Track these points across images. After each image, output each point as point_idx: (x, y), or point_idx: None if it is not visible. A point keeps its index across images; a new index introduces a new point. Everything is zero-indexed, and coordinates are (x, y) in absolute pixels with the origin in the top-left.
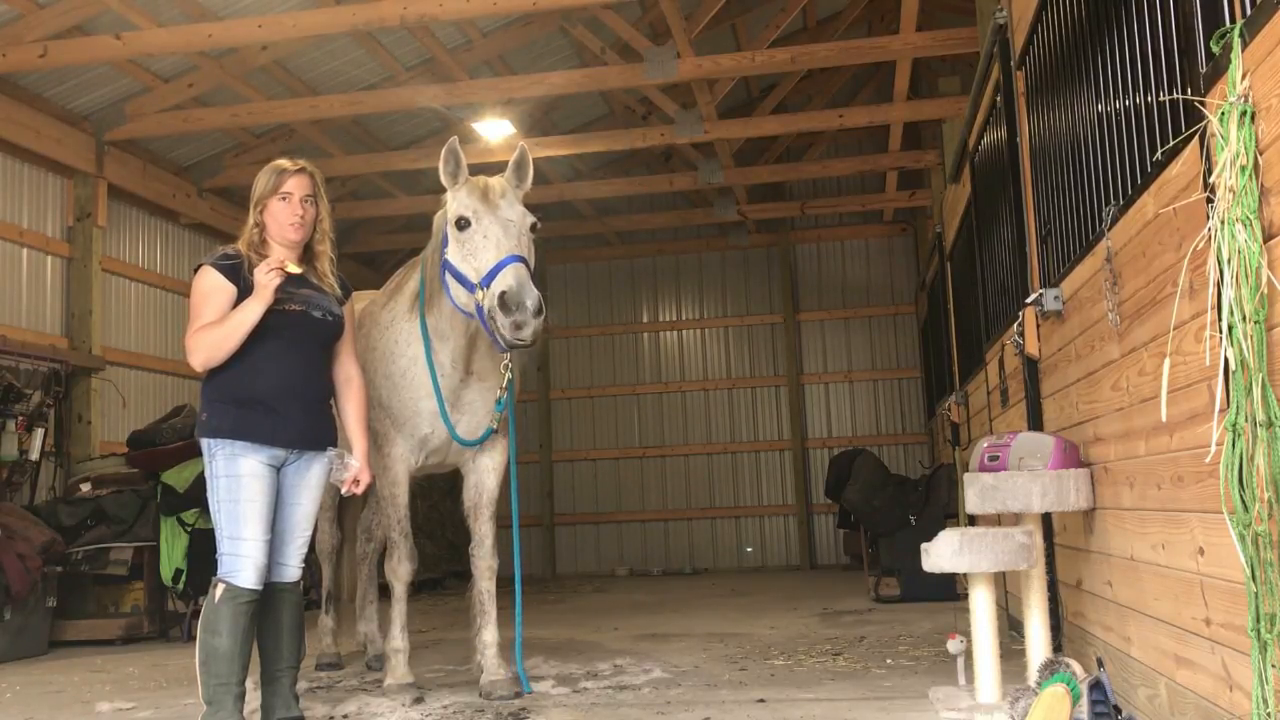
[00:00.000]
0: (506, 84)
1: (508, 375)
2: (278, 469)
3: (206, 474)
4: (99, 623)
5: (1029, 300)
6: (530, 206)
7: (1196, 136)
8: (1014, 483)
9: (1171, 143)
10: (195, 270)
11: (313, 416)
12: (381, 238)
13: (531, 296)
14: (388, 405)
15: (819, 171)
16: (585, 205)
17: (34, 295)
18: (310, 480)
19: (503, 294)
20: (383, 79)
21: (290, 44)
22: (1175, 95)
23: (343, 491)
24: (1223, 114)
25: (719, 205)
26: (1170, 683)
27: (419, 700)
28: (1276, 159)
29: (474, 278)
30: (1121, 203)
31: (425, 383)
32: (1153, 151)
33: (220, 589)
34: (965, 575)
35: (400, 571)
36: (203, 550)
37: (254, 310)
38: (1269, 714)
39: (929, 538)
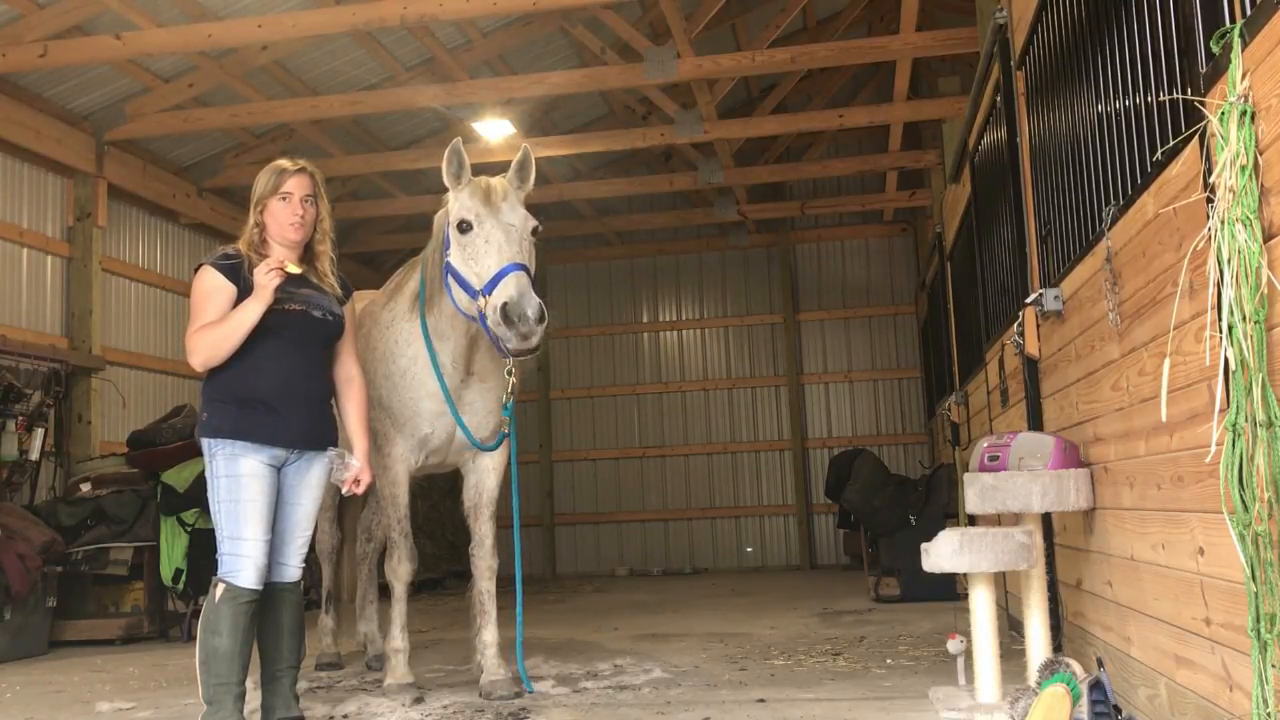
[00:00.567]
0: (506, 84)
1: (512, 379)
2: (278, 469)
3: (207, 474)
4: (99, 623)
5: (1029, 300)
6: (530, 207)
7: (1196, 136)
8: (1014, 483)
9: (1171, 143)
10: (195, 270)
11: (313, 416)
12: (381, 238)
13: (533, 306)
14: (388, 405)
15: (819, 171)
16: (585, 205)
17: (34, 295)
18: (311, 480)
19: (504, 305)
20: (383, 79)
21: (290, 44)
22: (1175, 95)
23: (343, 491)
24: (1223, 114)
25: (719, 205)
26: (1170, 683)
27: (419, 700)
28: (1276, 159)
29: (476, 283)
30: (1121, 203)
31: (425, 382)
32: (1153, 151)
33: (220, 589)
34: (965, 575)
35: (400, 571)
36: (203, 550)
37: (254, 310)
38: (1269, 714)
39: (929, 538)
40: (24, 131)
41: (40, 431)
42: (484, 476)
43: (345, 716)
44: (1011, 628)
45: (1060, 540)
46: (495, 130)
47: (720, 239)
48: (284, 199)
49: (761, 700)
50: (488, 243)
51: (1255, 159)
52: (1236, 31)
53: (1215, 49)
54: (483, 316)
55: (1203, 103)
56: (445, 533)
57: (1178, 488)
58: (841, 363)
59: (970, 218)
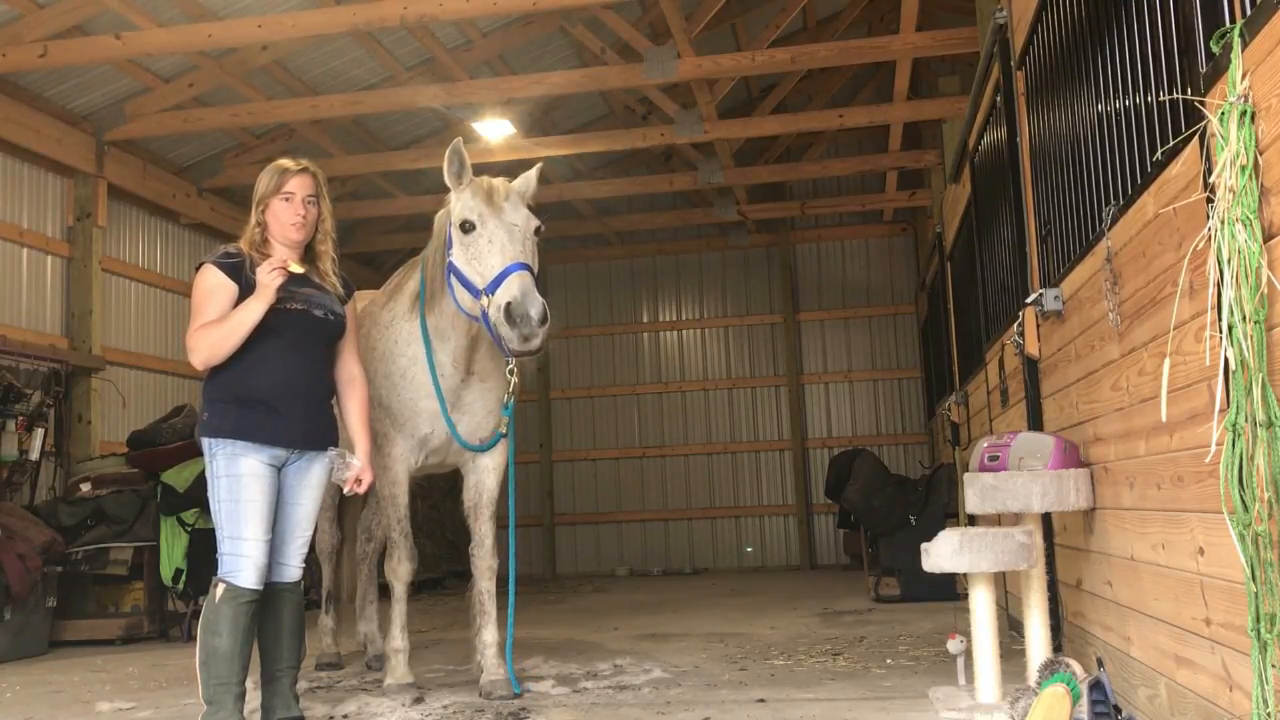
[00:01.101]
0: (506, 84)
1: (513, 380)
2: (279, 468)
3: (207, 473)
4: (99, 623)
5: (1029, 300)
6: (530, 207)
7: (1196, 136)
8: (1014, 483)
9: (1171, 143)
10: (197, 269)
11: (314, 416)
12: (381, 238)
13: (536, 307)
14: (387, 405)
15: (819, 171)
16: (585, 205)
17: (34, 295)
18: (311, 480)
19: (508, 305)
20: (383, 79)
21: (290, 44)
22: (1175, 95)
23: (345, 491)
24: (1223, 114)
25: (719, 205)
26: (1170, 683)
27: (419, 700)
28: (1276, 159)
29: (479, 283)
30: (1121, 203)
31: (425, 383)
32: (1153, 151)
33: (221, 589)
34: (965, 575)
35: (400, 571)
36: (203, 550)
37: (255, 309)
38: (1269, 714)
39: (929, 538)
40: (24, 131)
41: (40, 431)
42: (484, 476)
43: (345, 716)
44: (1011, 628)
45: (1060, 540)
46: (495, 130)
47: (720, 239)
48: (286, 199)
49: (761, 700)
50: (491, 242)
51: (1255, 159)
52: (1236, 31)
53: (1215, 49)
54: (485, 316)
55: (1203, 103)
56: (445, 533)
57: (1178, 488)
58: (841, 363)
59: (970, 218)
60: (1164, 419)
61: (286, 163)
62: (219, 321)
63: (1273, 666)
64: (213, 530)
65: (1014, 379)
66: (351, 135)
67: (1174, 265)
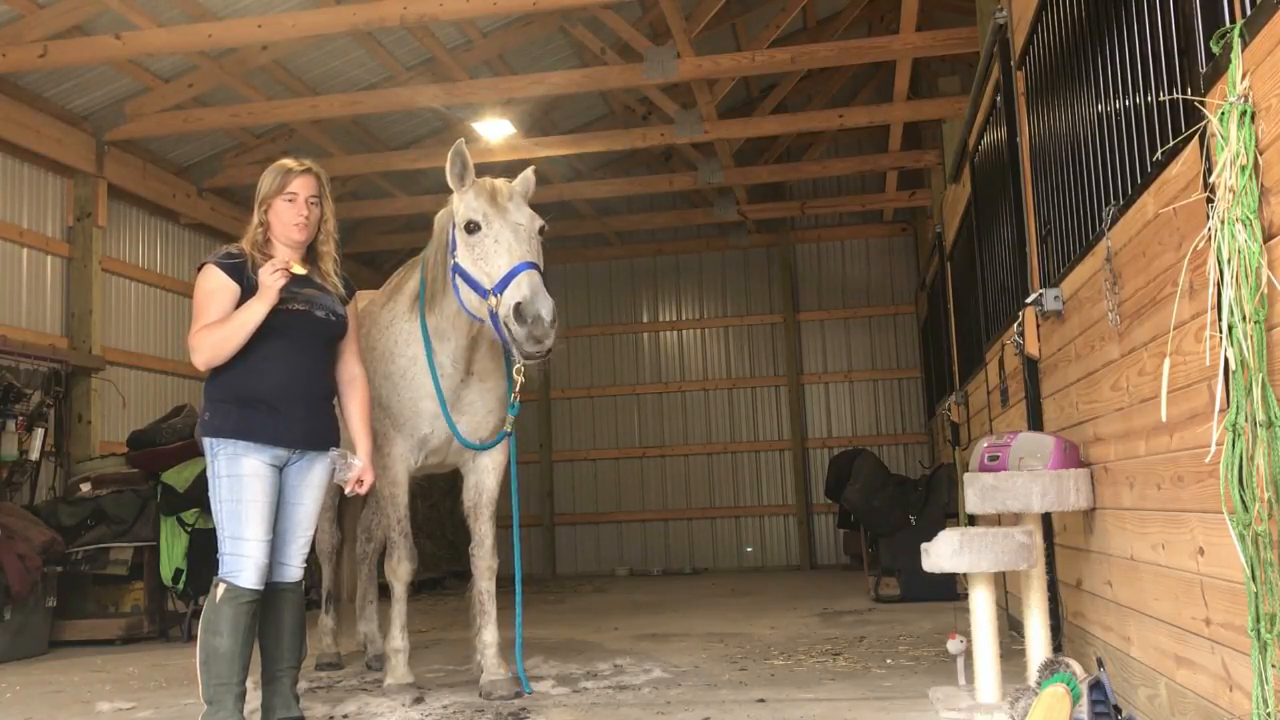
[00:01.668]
0: (506, 84)
1: (520, 380)
2: (280, 469)
3: (208, 473)
4: (99, 623)
5: (1029, 300)
6: (530, 207)
7: (1196, 136)
8: (1014, 483)
9: (1171, 143)
10: (198, 269)
11: (316, 416)
12: (381, 238)
13: (547, 307)
14: (387, 405)
15: (819, 171)
16: (585, 205)
17: (34, 295)
18: (312, 480)
19: (518, 305)
20: (383, 79)
21: (290, 44)
22: (1175, 95)
23: (346, 492)
24: (1223, 114)
25: (719, 205)
26: (1170, 683)
27: (419, 700)
28: (1276, 159)
29: (486, 283)
30: (1121, 203)
31: (425, 383)
32: (1153, 151)
33: (221, 589)
34: (965, 575)
35: (400, 571)
36: (203, 550)
37: (258, 310)
38: (1269, 714)
39: (929, 538)
40: (24, 131)
41: (40, 431)
42: (484, 476)
43: (345, 716)
44: (1011, 628)
45: (1060, 540)
46: (495, 130)
47: (720, 239)
48: (290, 199)
49: (761, 700)
50: (497, 242)
51: (1255, 159)
52: (1236, 31)
53: (1215, 49)
54: (494, 316)
55: (1203, 103)
56: (445, 533)
57: (1178, 488)
58: (841, 363)
59: (970, 218)
60: (1164, 419)
61: (290, 163)
62: (221, 322)
63: (1273, 666)
64: (213, 530)
65: (1014, 379)
66: (351, 135)
67: (1174, 265)
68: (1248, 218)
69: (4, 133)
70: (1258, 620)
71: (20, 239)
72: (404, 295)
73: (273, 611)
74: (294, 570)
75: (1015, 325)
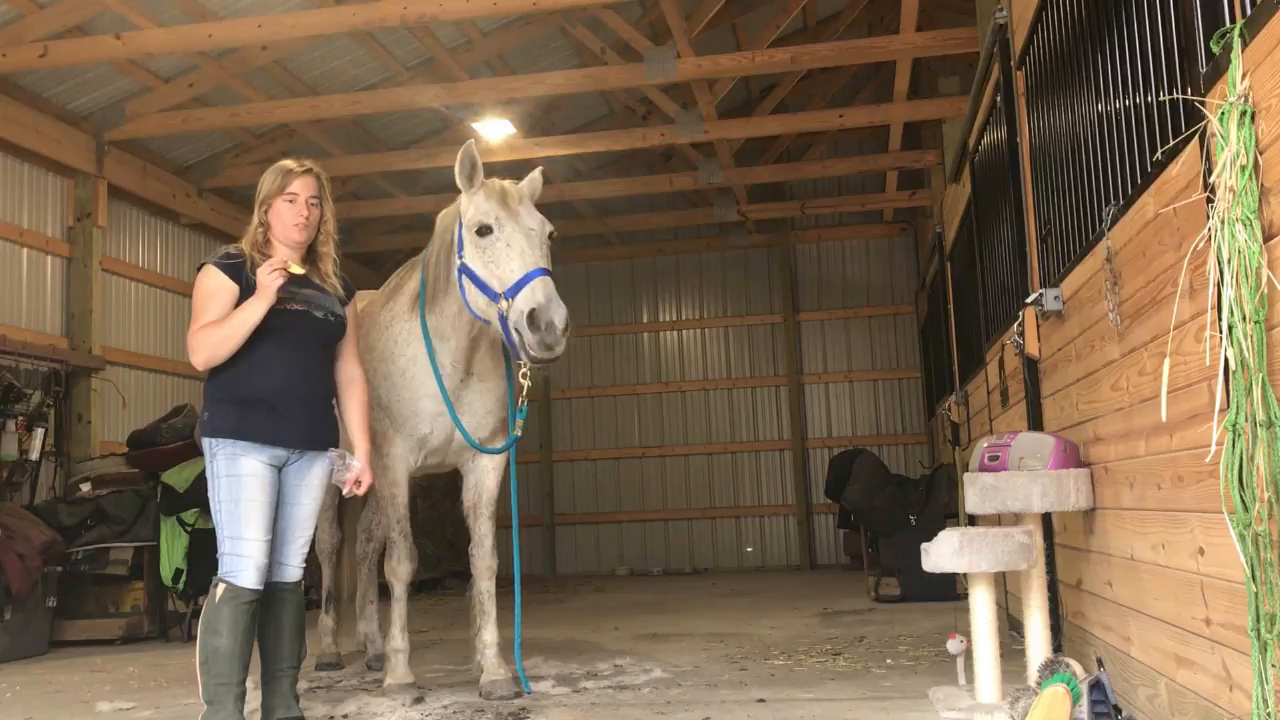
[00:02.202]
0: (506, 84)
1: (527, 383)
2: (279, 469)
3: (208, 473)
4: (99, 623)
5: (1029, 300)
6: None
7: (1196, 136)
8: (1014, 483)
9: (1171, 143)
10: (198, 269)
11: (315, 416)
12: (381, 238)
13: (560, 314)
14: (387, 405)
15: (819, 171)
16: (585, 205)
17: (34, 295)
18: (312, 480)
19: (532, 311)
20: (383, 79)
21: (290, 44)
22: (1175, 95)
23: (344, 492)
24: (1223, 114)
25: (719, 205)
26: (1170, 683)
27: (419, 700)
28: (1276, 159)
29: (497, 286)
30: (1121, 203)
31: (424, 383)
32: (1153, 151)
33: (221, 589)
34: (965, 575)
35: (400, 571)
36: (203, 550)
37: (256, 310)
38: (1269, 714)
39: (929, 538)
40: (24, 131)
41: (40, 431)
42: (483, 476)
43: (345, 716)
44: (1011, 628)
45: (1060, 540)
46: (495, 130)
47: (720, 239)
48: (290, 200)
49: (761, 700)
50: (509, 246)
51: (1255, 159)
52: (1236, 31)
53: (1215, 49)
54: (503, 319)
55: (1203, 103)
56: (445, 533)
57: (1178, 488)
58: (841, 363)
59: (970, 218)
60: (1164, 419)
61: (290, 164)
62: (220, 322)
63: (1273, 666)
64: (213, 530)
65: (1014, 379)
66: (351, 135)
67: (1174, 265)
68: (1248, 218)
69: (4, 133)
70: (1258, 620)
71: (20, 239)
72: (404, 295)
73: (272, 611)
74: (293, 570)
75: (1015, 325)
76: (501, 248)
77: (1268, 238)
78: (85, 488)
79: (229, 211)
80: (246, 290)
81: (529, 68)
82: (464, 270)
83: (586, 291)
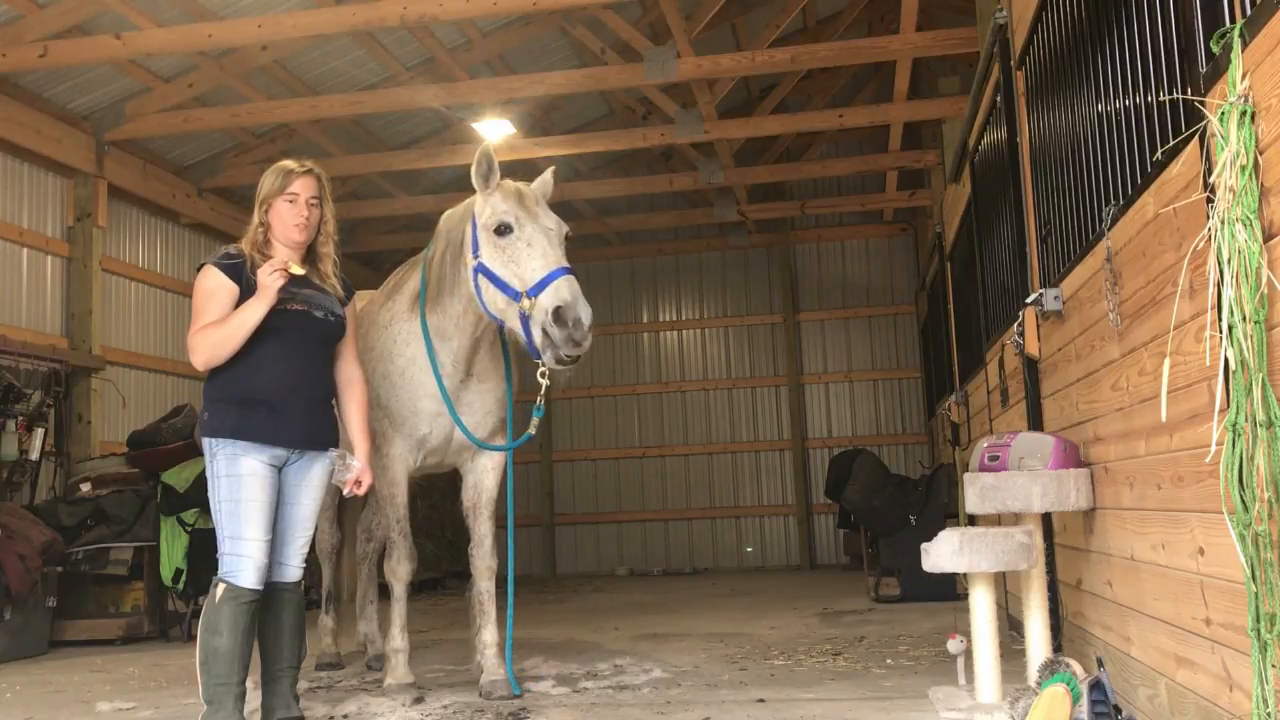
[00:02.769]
0: (506, 84)
1: (545, 382)
2: (279, 469)
3: (208, 473)
4: (99, 623)
5: (1029, 300)
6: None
7: (1196, 136)
8: (1014, 483)
9: (1171, 143)
10: (198, 269)
11: (315, 416)
12: (381, 238)
13: (587, 312)
14: (386, 405)
15: (819, 171)
16: (585, 205)
17: (34, 295)
18: (311, 480)
19: (559, 308)
20: (383, 79)
21: (290, 44)
22: (1175, 95)
23: (345, 493)
24: (1223, 114)
25: (719, 205)
26: (1170, 683)
27: (419, 700)
28: (1276, 159)
29: (518, 285)
30: (1121, 203)
31: (424, 382)
32: (1153, 151)
33: (221, 589)
34: (965, 575)
35: (400, 571)
36: (203, 550)
37: (257, 311)
38: (1269, 714)
39: (929, 538)
40: (24, 131)
41: (40, 431)
42: (483, 476)
43: (345, 716)
44: (1011, 628)
45: (1060, 540)
46: (495, 130)
47: (720, 239)
48: (290, 200)
49: (761, 700)
50: (530, 246)
51: (1255, 159)
52: (1236, 31)
53: (1215, 49)
54: (524, 318)
55: (1203, 103)
56: (445, 533)
57: (1178, 488)
58: (841, 363)
59: (970, 218)
60: (1164, 419)
61: (291, 164)
62: (220, 323)
63: (1273, 666)
64: (213, 530)
65: (1014, 379)
66: (351, 135)
67: (1174, 265)
68: (1248, 218)
69: (4, 133)
70: (1258, 620)
71: (20, 239)
72: (404, 295)
73: (272, 611)
74: (293, 570)
75: (1015, 325)
76: (522, 247)
77: (1268, 238)
78: (85, 488)
79: (229, 211)
80: (246, 290)
81: (529, 68)
82: (481, 270)
83: (587, 291)
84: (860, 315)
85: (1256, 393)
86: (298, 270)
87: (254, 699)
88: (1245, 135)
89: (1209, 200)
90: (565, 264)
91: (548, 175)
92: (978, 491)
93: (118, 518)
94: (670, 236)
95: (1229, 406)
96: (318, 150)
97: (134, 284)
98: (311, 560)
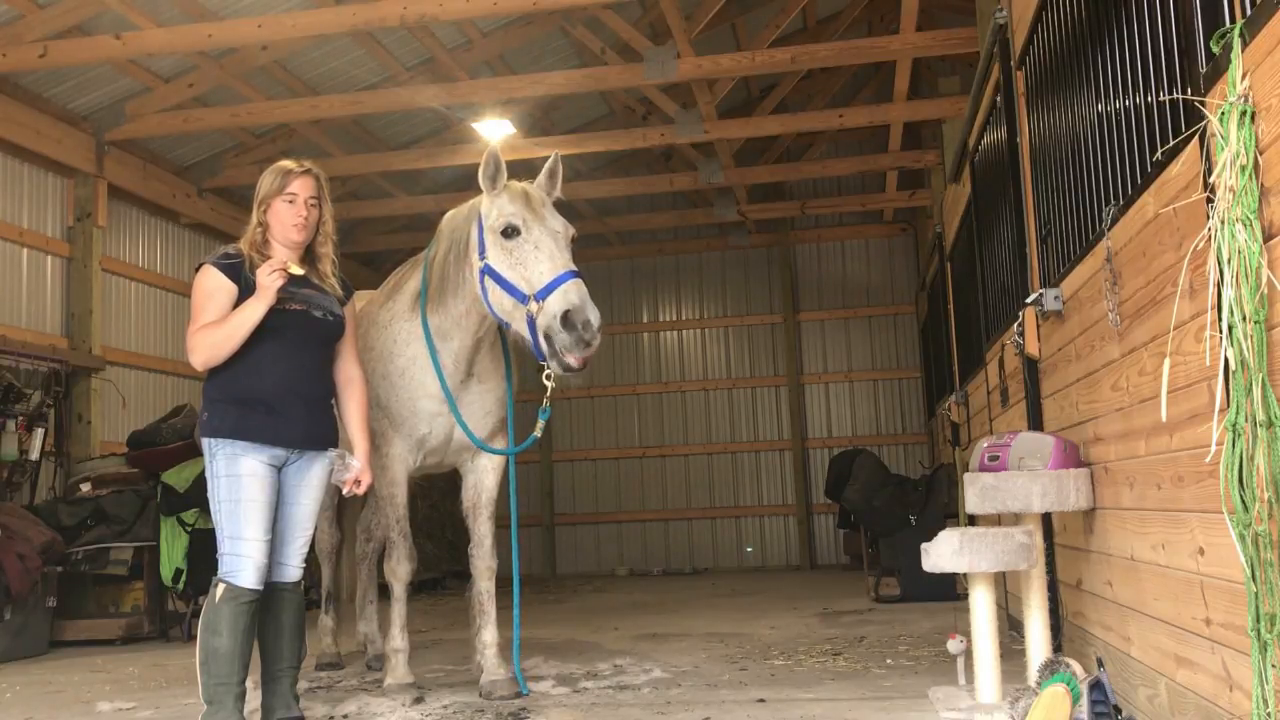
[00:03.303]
0: (506, 84)
1: (550, 384)
2: (278, 469)
3: (207, 473)
4: (99, 623)
5: (1029, 300)
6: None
7: (1196, 136)
8: (1014, 483)
9: (1171, 143)
10: (197, 269)
11: (314, 416)
12: (381, 238)
13: (595, 314)
14: (385, 405)
15: (819, 171)
16: (585, 205)
17: (34, 295)
18: (311, 480)
19: (567, 312)
20: (383, 79)
21: (290, 44)
22: (1175, 95)
23: (344, 492)
24: (1223, 114)
25: (719, 205)
26: (1170, 683)
27: (419, 700)
28: (1276, 159)
29: (525, 288)
30: (1121, 203)
31: (425, 382)
32: (1153, 151)
33: (221, 589)
34: (965, 575)
35: (400, 571)
36: (203, 550)
37: (256, 311)
38: (1269, 714)
39: (929, 538)
40: (24, 131)
41: (40, 431)
42: (483, 476)
43: (345, 716)
44: (1011, 628)
45: (1060, 540)
46: (495, 130)
47: (720, 239)
48: (289, 200)
49: (761, 700)
50: (538, 248)
51: (1255, 159)
52: (1236, 31)
53: (1215, 49)
54: (531, 320)
55: (1203, 103)
56: (445, 533)
57: (1178, 488)
58: (841, 363)
59: (970, 218)
60: (1164, 419)
61: (289, 164)
62: (219, 323)
63: (1273, 666)
64: (213, 530)
65: (1014, 379)
66: (351, 135)
67: (1174, 265)
68: (1248, 218)
69: (4, 133)
70: (1258, 620)
71: (20, 239)
72: (404, 295)
73: (272, 611)
74: (293, 570)
75: (1015, 325)
76: (529, 250)
77: (1268, 238)
78: (85, 488)
79: (229, 211)
80: (245, 290)
81: (529, 68)
82: (488, 271)
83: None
84: (860, 315)
85: (1256, 393)
86: (297, 270)
87: (254, 699)
88: (1245, 135)
89: (1209, 200)
90: (573, 267)
91: (552, 161)
92: (978, 491)
93: (118, 518)
94: (670, 236)
95: (1229, 406)
96: (318, 150)
97: (134, 284)
98: (311, 560)
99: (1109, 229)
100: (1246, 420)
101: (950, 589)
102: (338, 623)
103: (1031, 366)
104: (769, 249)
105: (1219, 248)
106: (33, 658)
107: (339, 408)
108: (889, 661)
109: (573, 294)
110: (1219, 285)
